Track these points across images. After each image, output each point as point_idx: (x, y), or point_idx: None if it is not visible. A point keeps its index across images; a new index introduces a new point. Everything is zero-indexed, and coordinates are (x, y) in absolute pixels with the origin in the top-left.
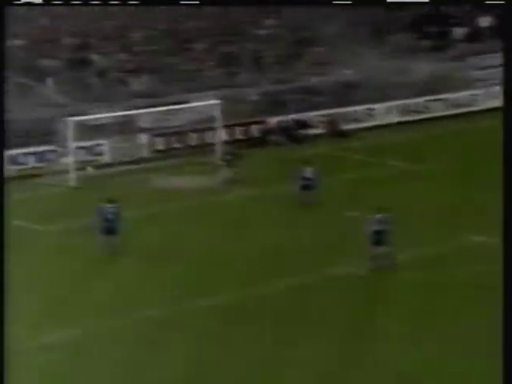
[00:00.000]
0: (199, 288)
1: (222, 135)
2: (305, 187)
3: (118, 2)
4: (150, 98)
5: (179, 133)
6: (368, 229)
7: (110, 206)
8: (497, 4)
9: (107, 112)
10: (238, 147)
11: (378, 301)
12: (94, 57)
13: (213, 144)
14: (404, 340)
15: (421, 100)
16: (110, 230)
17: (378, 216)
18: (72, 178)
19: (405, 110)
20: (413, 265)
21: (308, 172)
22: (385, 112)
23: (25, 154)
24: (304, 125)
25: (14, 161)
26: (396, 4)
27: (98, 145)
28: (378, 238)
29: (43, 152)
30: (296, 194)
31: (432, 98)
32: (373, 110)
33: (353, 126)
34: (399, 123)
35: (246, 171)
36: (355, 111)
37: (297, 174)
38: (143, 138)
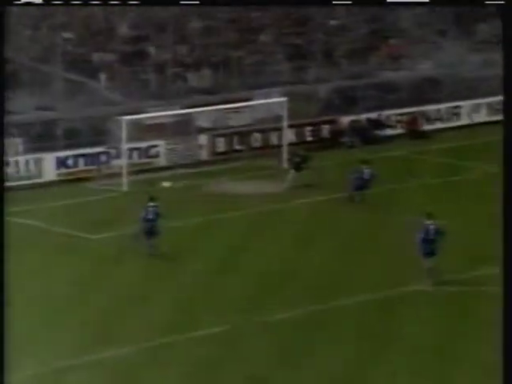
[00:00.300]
0: (266, 303)
1: (288, 136)
2: (359, 187)
3: (118, 1)
4: (211, 94)
5: (242, 133)
6: (418, 237)
7: (151, 205)
8: (497, 4)
9: (164, 110)
10: (306, 149)
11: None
12: (150, 50)
13: (278, 146)
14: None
15: None
16: (150, 230)
17: (429, 223)
18: (124, 182)
19: (494, 108)
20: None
21: (366, 173)
22: (471, 110)
23: (74, 156)
24: (380, 125)
25: (62, 163)
26: (396, 4)
27: (154, 146)
28: (428, 248)
29: (94, 154)
30: (351, 194)
31: None
32: (458, 108)
33: (435, 126)
34: (488, 123)
35: (315, 176)
36: (438, 110)
37: (354, 173)
38: (202, 139)
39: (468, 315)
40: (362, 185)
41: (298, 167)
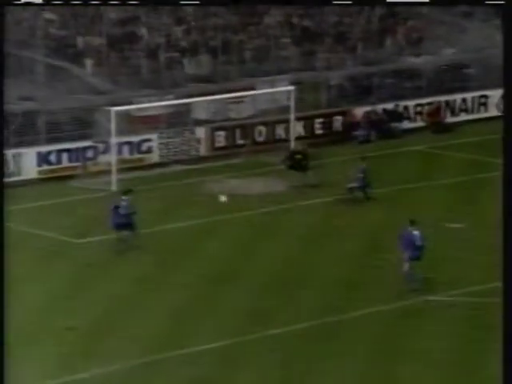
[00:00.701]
0: (270, 313)
1: (296, 129)
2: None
3: (118, 1)
4: (209, 83)
5: (244, 126)
6: (401, 243)
7: (124, 198)
8: (497, 4)
9: (157, 100)
10: (314, 144)
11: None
12: (142, 32)
13: (285, 140)
14: None
15: None
16: (122, 224)
17: (412, 229)
18: (114, 180)
19: None
20: None
21: (360, 169)
22: (501, 100)
23: (57, 151)
24: (397, 116)
25: (44, 159)
26: (396, 4)
27: (146, 140)
28: (412, 254)
29: (79, 149)
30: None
31: None
32: (486, 97)
33: (460, 117)
34: None
35: (325, 173)
36: (463, 100)
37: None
38: (200, 133)
39: (485, 328)
40: (358, 183)
41: (298, 166)
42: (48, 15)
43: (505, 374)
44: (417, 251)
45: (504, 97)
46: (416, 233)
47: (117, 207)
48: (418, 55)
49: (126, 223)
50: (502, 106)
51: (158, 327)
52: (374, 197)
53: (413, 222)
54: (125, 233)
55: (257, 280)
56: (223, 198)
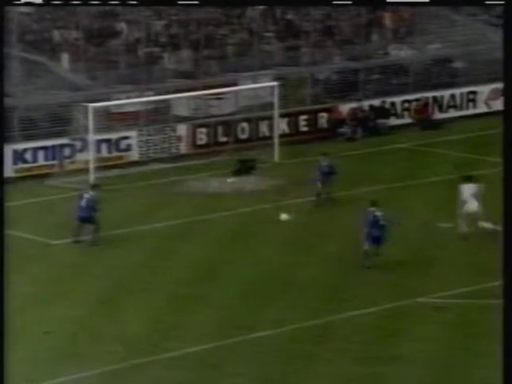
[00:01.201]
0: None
1: (280, 126)
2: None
3: (118, 1)
4: (190, 78)
5: (226, 123)
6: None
7: (89, 192)
8: (497, 4)
9: (136, 97)
10: (299, 141)
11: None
12: (121, 26)
13: (269, 137)
14: None
15: None
16: (84, 219)
17: (373, 210)
18: (92, 179)
19: None
20: None
21: (323, 166)
22: (490, 97)
23: (33, 149)
24: (384, 113)
25: (19, 157)
26: (396, 4)
27: (125, 138)
28: (374, 235)
29: (56, 146)
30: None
31: None
32: (474, 93)
33: (448, 114)
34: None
35: (310, 171)
36: (451, 96)
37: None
38: (181, 130)
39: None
40: (322, 180)
41: (242, 171)
42: (24, 9)
43: (504, 376)
44: (380, 230)
45: (504, 97)
46: (378, 213)
47: (81, 199)
48: (404, 49)
49: (86, 217)
50: (491, 103)
51: (136, 329)
52: (338, 199)
53: (374, 203)
54: (87, 226)
55: (238, 280)
56: (285, 217)
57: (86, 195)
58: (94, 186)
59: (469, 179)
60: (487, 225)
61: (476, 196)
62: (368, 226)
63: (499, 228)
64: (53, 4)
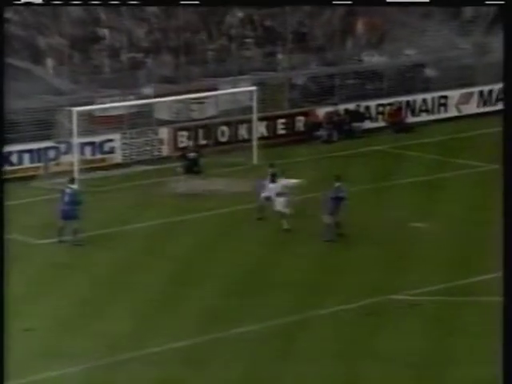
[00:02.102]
0: (233, 313)
1: (258, 129)
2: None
3: (118, 2)
4: (171, 83)
5: (206, 126)
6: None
7: (70, 187)
8: (497, 4)
9: (119, 101)
10: (277, 144)
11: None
12: (104, 33)
13: (248, 140)
14: None
15: None
16: (67, 215)
17: (338, 185)
18: (76, 180)
19: (485, 99)
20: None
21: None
22: (460, 101)
23: (18, 152)
24: (359, 116)
25: (5, 160)
26: (396, 4)
27: (108, 141)
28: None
29: (41, 149)
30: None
31: None
32: (445, 98)
33: (420, 118)
34: (478, 114)
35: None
36: (423, 100)
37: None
38: (163, 133)
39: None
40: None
41: (190, 170)
42: (8, 14)
43: (504, 376)
44: (338, 201)
45: (504, 97)
46: (339, 184)
47: (63, 195)
48: (378, 55)
49: (71, 211)
50: (461, 107)
51: (120, 327)
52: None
53: (338, 177)
54: (72, 224)
55: (220, 280)
56: (286, 226)
57: (68, 190)
58: (72, 180)
59: (273, 176)
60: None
61: (284, 192)
62: (330, 200)
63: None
64: (53, 4)
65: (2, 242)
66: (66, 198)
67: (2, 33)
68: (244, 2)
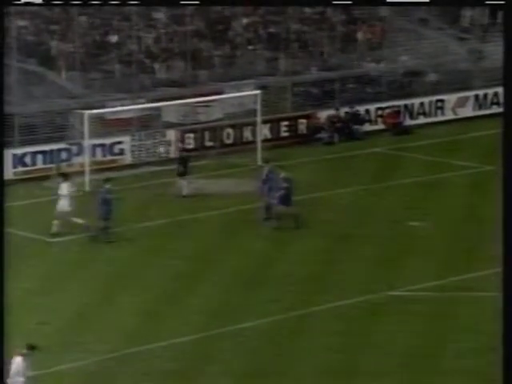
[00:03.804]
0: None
1: (262, 132)
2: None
3: (117, 2)
4: (179, 87)
5: (213, 129)
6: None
7: (106, 187)
8: (497, 4)
9: (129, 104)
10: (280, 146)
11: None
12: (115, 39)
13: (252, 142)
14: None
15: (500, 90)
16: (107, 211)
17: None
18: (87, 181)
19: (480, 102)
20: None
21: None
22: (456, 104)
23: (32, 153)
24: (359, 119)
25: (19, 161)
26: (396, 4)
27: (118, 142)
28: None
29: (53, 151)
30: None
31: None
32: (442, 102)
33: (418, 121)
34: (474, 117)
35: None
36: (421, 103)
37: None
38: (171, 135)
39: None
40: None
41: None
42: (22, 22)
43: (504, 374)
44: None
45: (504, 97)
46: (267, 168)
47: (100, 194)
48: (378, 61)
49: (108, 209)
50: (458, 110)
51: (129, 320)
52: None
53: (267, 161)
54: (105, 221)
55: (225, 277)
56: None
57: (102, 190)
58: (107, 180)
59: (65, 177)
60: (79, 220)
61: (68, 194)
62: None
63: (88, 223)
64: (53, 4)
65: (2, 242)
66: (103, 196)
67: (2, 33)
68: (244, 2)
